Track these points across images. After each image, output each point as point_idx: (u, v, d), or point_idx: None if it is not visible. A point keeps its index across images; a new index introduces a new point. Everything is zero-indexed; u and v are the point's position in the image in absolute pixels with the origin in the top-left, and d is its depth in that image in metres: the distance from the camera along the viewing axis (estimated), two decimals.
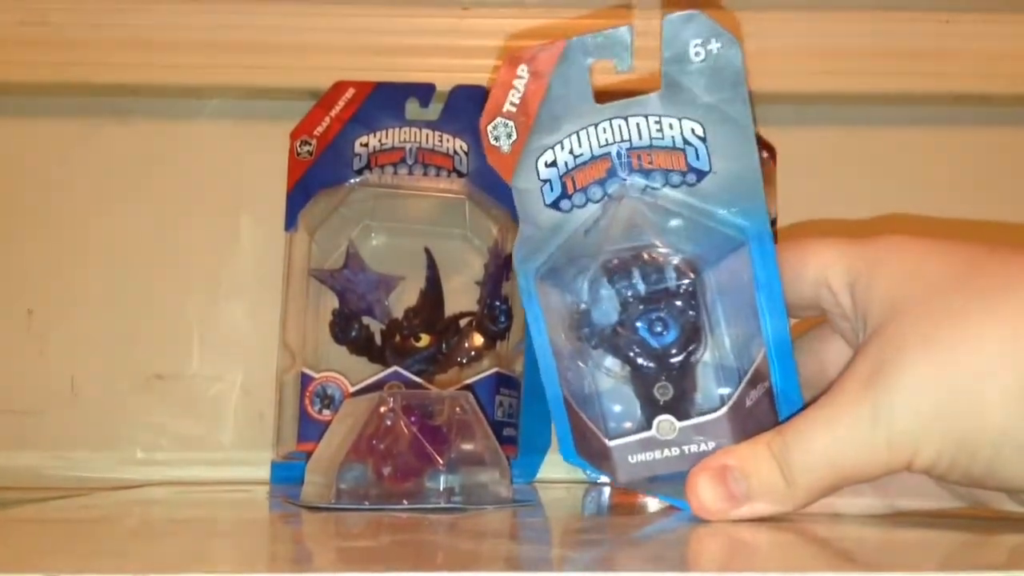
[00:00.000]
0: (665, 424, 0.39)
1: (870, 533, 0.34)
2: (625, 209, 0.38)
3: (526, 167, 0.39)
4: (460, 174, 0.62)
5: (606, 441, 0.39)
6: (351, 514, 0.39)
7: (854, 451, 0.33)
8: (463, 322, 0.62)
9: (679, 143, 0.38)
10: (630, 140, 0.38)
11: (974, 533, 0.34)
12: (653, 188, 0.38)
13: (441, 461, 0.42)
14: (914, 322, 0.34)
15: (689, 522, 0.36)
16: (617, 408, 0.40)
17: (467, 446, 0.43)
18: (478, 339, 0.60)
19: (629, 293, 0.39)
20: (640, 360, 0.39)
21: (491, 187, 0.63)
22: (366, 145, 0.62)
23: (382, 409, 0.43)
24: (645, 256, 0.39)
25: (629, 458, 0.39)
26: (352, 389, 0.57)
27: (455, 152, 0.63)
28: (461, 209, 0.63)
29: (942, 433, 0.32)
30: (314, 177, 0.62)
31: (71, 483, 0.62)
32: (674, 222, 0.39)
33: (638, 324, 0.39)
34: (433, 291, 0.63)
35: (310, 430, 0.56)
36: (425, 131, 0.63)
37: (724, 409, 0.38)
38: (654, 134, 0.38)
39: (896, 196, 0.67)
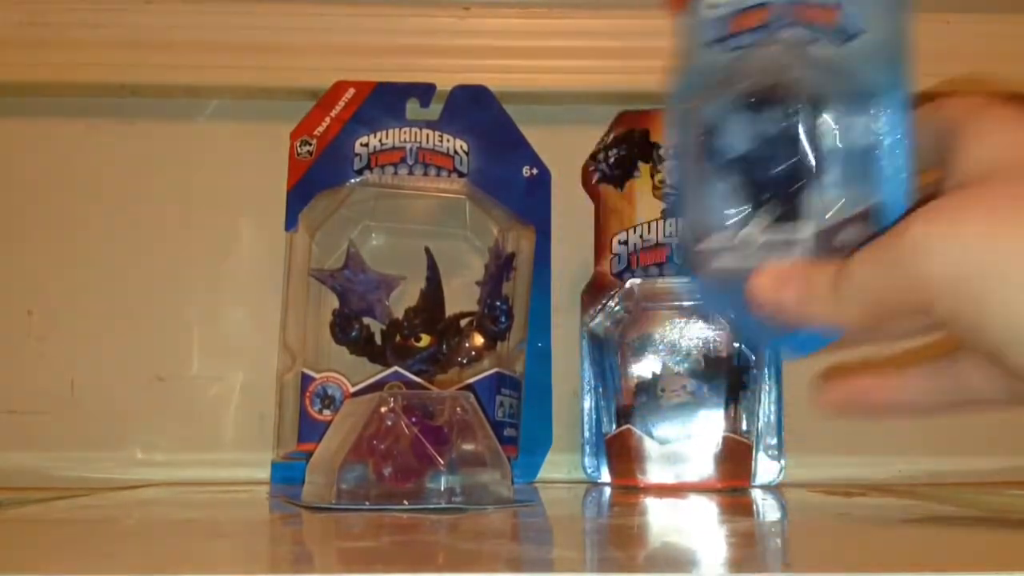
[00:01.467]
0: (751, 236, 0.40)
1: (872, 533, 0.34)
2: (773, 49, 0.40)
3: (695, 5, 0.41)
4: (460, 174, 0.62)
5: (699, 244, 0.40)
6: (351, 514, 0.39)
7: (891, 276, 0.34)
8: (463, 322, 0.62)
9: (833, 1, 0.39)
10: None
11: (977, 533, 0.34)
12: (807, 41, 0.39)
13: (442, 461, 0.42)
14: (993, 190, 0.33)
15: (688, 522, 0.36)
16: (714, 218, 0.42)
17: (468, 446, 0.43)
18: (478, 339, 0.60)
19: (757, 125, 0.40)
20: (754, 185, 0.40)
21: (491, 187, 0.63)
22: (366, 145, 0.62)
23: (383, 409, 0.43)
24: (781, 91, 0.40)
25: (714, 262, 0.40)
26: (352, 389, 0.57)
27: (455, 152, 0.63)
28: (461, 209, 0.63)
29: (968, 293, 0.32)
30: (314, 177, 0.62)
31: (71, 483, 0.62)
32: (818, 70, 0.39)
33: (759, 152, 0.40)
34: (433, 291, 0.63)
35: (310, 430, 0.56)
36: (425, 131, 0.63)
37: (811, 230, 0.39)
38: None
39: None
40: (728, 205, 0.41)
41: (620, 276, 0.62)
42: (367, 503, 0.41)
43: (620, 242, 0.63)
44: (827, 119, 0.40)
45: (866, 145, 0.39)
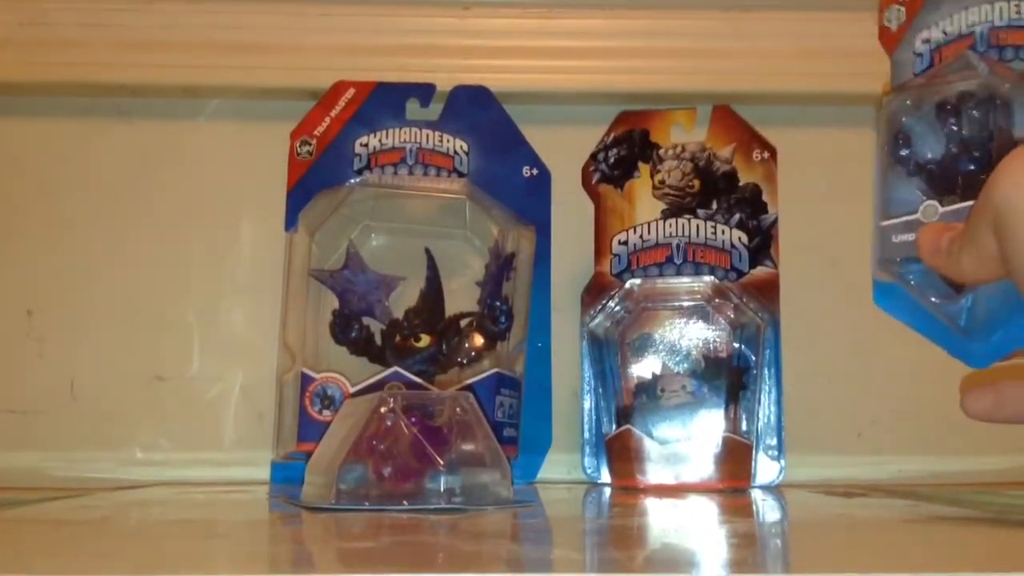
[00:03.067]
0: (930, 208, 0.43)
1: (872, 533, 0.34)
2: (971, 61, 0.44)
3: (906, 43, 0.47)
4: (460, 174, 0.62)
5: (880, 222, 0.45)
6: (351, 514, 0.39)
7: (977, 214, 0.38)
8: (463, 322, 0.62)
9: None
10: (992, 21, 0.45)
11: (981, 533, 0.34)
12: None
13: (441, 462, 0.42)
14: None
15: (688, 522, 0.36)
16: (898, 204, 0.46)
17: (467, 447, 0.43)
18: (478, 339, 0.60)
19: (955, 132, 0.44)
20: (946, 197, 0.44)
21: (491, 187, 0.63)
22: (366, 145, 0.62)
23: (382, 409, 0.43)
24: (977, 97, 0.44)
25: (893, 237, 0.44)
26: (352, 389, 0.57)
27: (455, 152, 0.63)
28: (461, 209, 0.63)
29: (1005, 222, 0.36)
30: (314, 177, 0.62)
31: (71, 483, 0.62)
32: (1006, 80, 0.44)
33: (956, 162, 0.44)
34: (433, 291, 0.63)
35: (310, 430, 0.56)
36: (425, 131, 0.63)
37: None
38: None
39: None
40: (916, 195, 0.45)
41: (620, 276, 0.62)
42: (367, 503, 0.41)
43: (620, 242, 0.63)
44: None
45: None
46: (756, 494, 0.56)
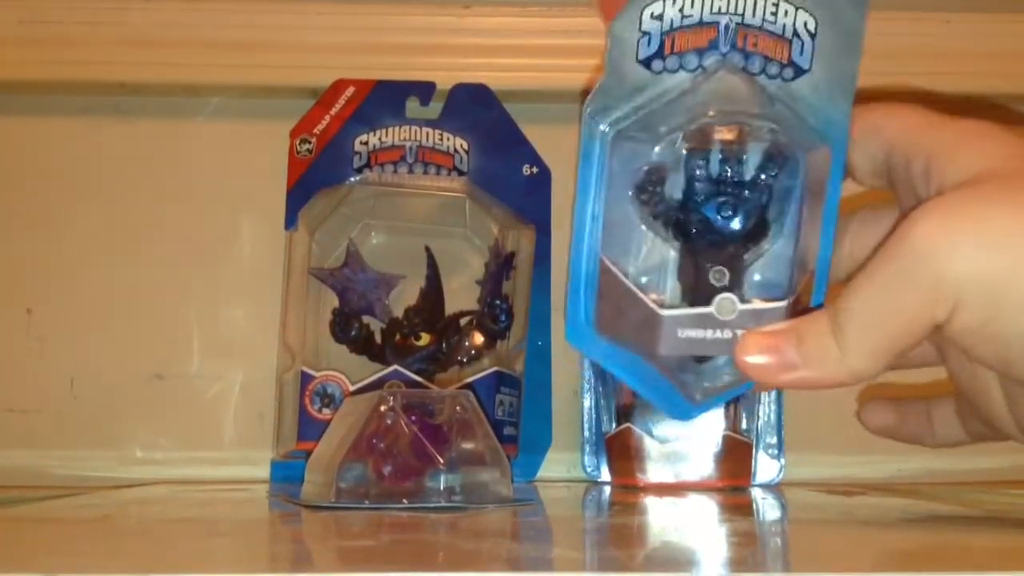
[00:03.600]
0: (726, 303, 0.36)
1: (873, 533, 0.34)
2: (717, 83, 0.37)
3: (631, 12, 0.36)
4: (460, 172, 0.62)
5: (658, 310, 0.37)
6: (351, 513, 0.39)
7: (898, 290, 0.30)
8: (463, 321, 0.62)
9: (788, 33, 0.36)
10: (743, 15, 0.36)
11: (982, 534, 0.34)
12: (749, 72, 0.37)
13: (441, 460, 0.42)
14: (999, 184, 0.30)
15: (689, 521, 0.36)
16: (670, 282, 0.38)
17: (468, 445, 0.43)
18: (478, 338, 0.60)
19: (702, 171, 0.37)
20: (699, 240, 0.37)
21: (491, 186, 0.63)
22: (366, 143, 0.62)
23: (382, 408, 0.43)
24: (727, 136, 0.37)
25: (679, 331, 0.36)
26: (352, 388, 0.57)
27: (455, 151, 0.63)
28: (461, 208, 0.63)
29: (995, 293, 0.29)
30: (314, 176, 0.62)
31: (71, 482, 0.62)
32: (765, 107, 0.37)
33: (706, 204, 0.37)
34: (433, 290, 0.62)
35: (310, 429, 0.56)
36: (425, 129, 0.63)
37: (786, 301, 0.36)
38: (768, 16, 0.36)
39: None
40: (688, 263, 0.38)
41: None
42: (367, 502, 0.41)
43: None
44: (775, 166, 0.37)
45: (812, 188, 0.37)
46: (756, 492, 0.56)
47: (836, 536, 0.34)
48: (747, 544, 0.32)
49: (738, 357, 0.34)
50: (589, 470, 0.62)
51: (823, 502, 0.51)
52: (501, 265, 0.61)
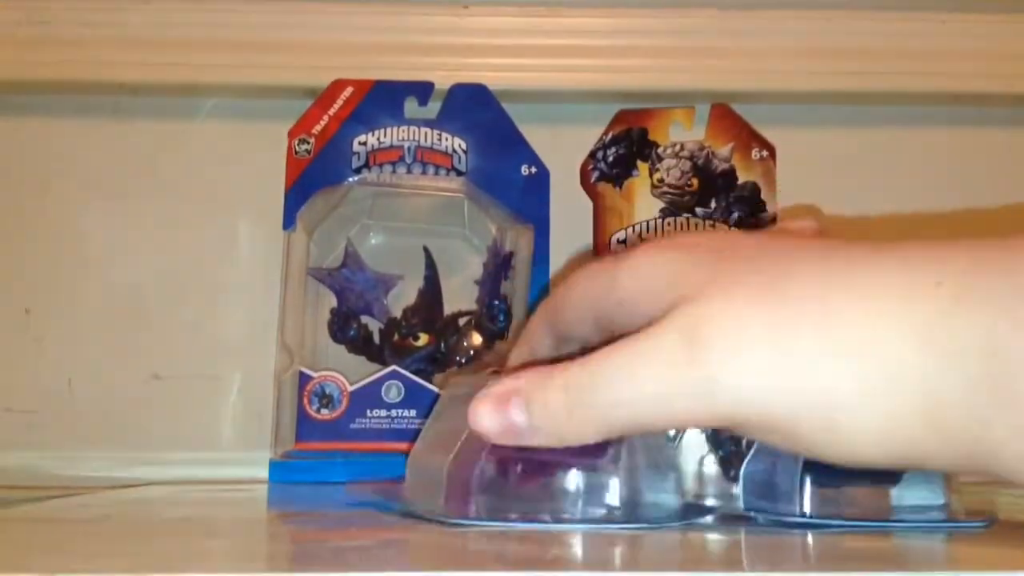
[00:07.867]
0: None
1: (873, 530, 0.34)
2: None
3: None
4: (459, 173, 0.62)
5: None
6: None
7: (670, 391, 0.29)
8: (462, 321, 0.62)
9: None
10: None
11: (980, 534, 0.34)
12: None
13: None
14: (742, 288, 0.29)
15: (689, 521, 0.36)
16: None
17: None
18: (477, 338, 0.60)
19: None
20: None
21: (490, 186, 0.63)
22: (364, 144, 0.62)
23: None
24: None
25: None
26: (353, 387, 0.56)
27: (454, 151, 0.63)
28: (460, 208, 0.63)
29: (791, 394, 0.28)
30: (312, 176, 0.62)
31: (69, 483, 0.62)
32: None
33: None
34: (432, 290, 0.63)
35: (308, 429, 0.56)
36: (424, 129, 0.63)
37: None
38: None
39: (895, 196, 0.67)
40: None
41: None
42: (510, 516, 0.35)
43: (618, 241, 0.63)
44: None
45: None
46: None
47: (836, 535, 0.34)
48: (746, 543, 0.32)
49: (471, 423, 0.32)
50: None
51: None
52: (499, 265, 0.61)
